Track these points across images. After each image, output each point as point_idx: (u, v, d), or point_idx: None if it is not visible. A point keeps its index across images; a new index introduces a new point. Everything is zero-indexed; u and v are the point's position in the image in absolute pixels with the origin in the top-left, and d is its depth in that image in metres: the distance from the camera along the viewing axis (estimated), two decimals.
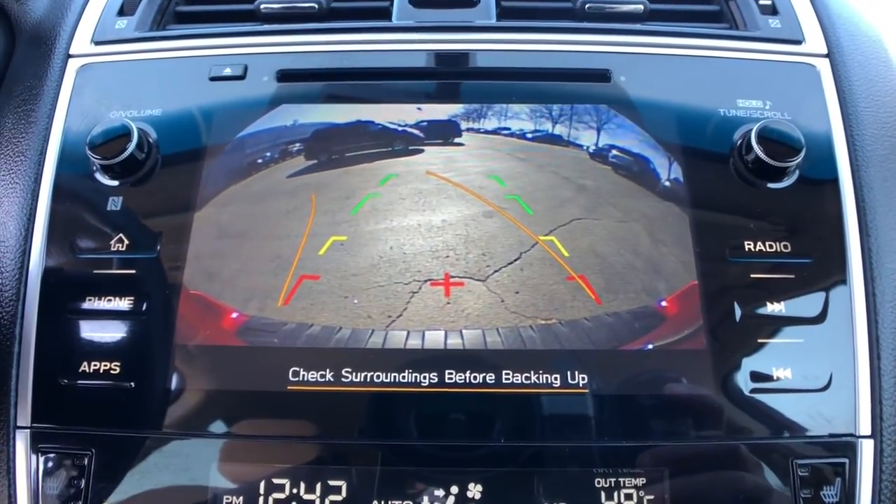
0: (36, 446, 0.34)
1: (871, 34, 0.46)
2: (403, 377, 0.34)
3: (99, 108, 0.41)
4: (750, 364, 0.34)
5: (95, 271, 0.37)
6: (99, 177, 0.39)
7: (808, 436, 0.33)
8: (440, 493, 0.33)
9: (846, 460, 0.33)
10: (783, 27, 0.44)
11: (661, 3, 0.47)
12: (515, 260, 0.37)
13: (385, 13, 0.46)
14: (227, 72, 0.42)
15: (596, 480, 0.33)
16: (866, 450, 0.33)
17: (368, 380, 0.34)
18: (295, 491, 0.33)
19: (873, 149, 0.39)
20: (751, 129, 0.38)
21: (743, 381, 0.34)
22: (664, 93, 0.41)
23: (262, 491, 0.33)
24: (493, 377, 0.34)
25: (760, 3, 0.45)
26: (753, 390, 0.34)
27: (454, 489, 0.33)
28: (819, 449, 0.33)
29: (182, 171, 0.39)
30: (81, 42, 0.45)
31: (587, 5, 0.45)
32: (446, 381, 0.34)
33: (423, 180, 0.39)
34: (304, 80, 0.42)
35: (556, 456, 0.34)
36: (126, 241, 0.37)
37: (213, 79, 0.42)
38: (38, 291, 0.37)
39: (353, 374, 0.34)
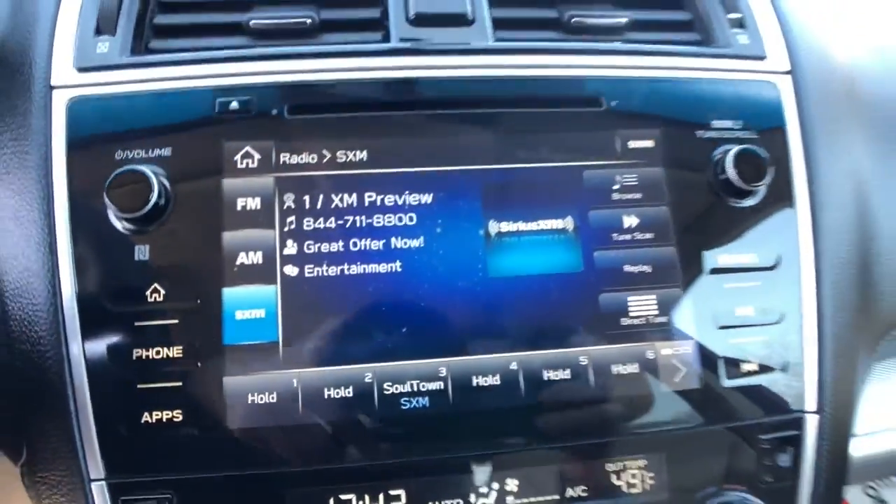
0: (116, 498, 0.39)
1: (830, 50, 0.54)
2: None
3: (104, 151, 0.42)
4: (724, 363, 0.44)
5: (136, 324, 0.40)
6: (119, 226, 0.41)
7: (770, 415, 0.45)
8: (484, 490, 0.42)
9: (797, 432, 0.45)
10: (750, 42, 0.51)
11: (635, 8, 0.53)
12: None
13: (378, 25, 0.49)
14: (234, 106, 0.44)
15: (606, 466, 0.44)
16: (811, 423, 0.45)
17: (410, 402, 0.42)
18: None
19: (828, 163, 0.49)
20: (727, 152, 0.46)
21: (721, 376, 0.44)
22: (648, 115, 0.48)
23: None
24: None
25: (730, 16, 0.52)
26: (728, 384, 0.44)
27: (495, 485, 0.42)
28: (777, 424, 0.45)
29: (203, 210, 0.42)
30: (62, 69, 0.44)
31: (573, 19, 0.50)
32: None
33: None
34: (314, 113, 0.45)
35: (573, 451, 0.43)
36: (162, 291, 0.41)
37: (219, 113, 0.44)
38: (81, 351, 0.39)
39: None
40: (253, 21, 0.47)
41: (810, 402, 0.45)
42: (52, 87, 0.44)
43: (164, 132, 0.43)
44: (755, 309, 0.45)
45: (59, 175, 0.42)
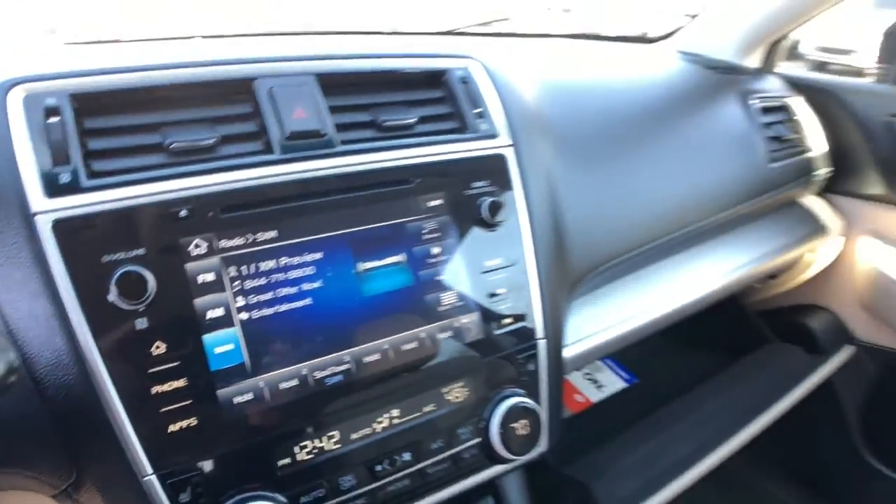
0: (164, 482, 0.63)
1: (534, 118, 0.95)
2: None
3: (93, 257, 0.62)
4: (494, 321, 0.83)
5: (150, 371, 0.63)
6: (120, 308, 0.64)
7: (522, 344, 0.85)
8: (380, 419, 0.76)
9: (535, 351, 0.86)
10: (488, 128, 0.89)
11: (420, 107, 0.87)
12: None
13: (259, 136, 0.75)
14: (183, 213, 0.68)
15: (441, 390, 0.80)
16: (542, 345, 0.87)
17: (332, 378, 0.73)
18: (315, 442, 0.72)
19: (538, 198, 0.89)
20: (483, 202, 0.83)
21: (494, 328, 0.83)
22: (437, 184, 0.83)
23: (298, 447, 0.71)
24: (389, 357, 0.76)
25: (474, 111, 0.89)
26: (498, 332, 0.83)
27: (386, 415, 0.76)
28: (525, 348, 0.85)
29: (177, 287, 0.66)
30: (37, 198, 0.61)
31: (385, 122, 0.83)
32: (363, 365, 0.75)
33: None
34: (238, 211, 0.71)
35: (423, 386, 0.79)
36: (163, 346, 0.65)
37: (172, 220, 0.67)
38: (116, 397, 0.61)
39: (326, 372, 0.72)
40: (174, 144, 0.70)
41: (540, 333, 0.87)
42: (33, 214, 0.63)
43: (136, 237, 0.64)
44: (506, 288, 0.85)
45: (62, 278, 0.61)
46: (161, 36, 1.18)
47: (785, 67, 1.73)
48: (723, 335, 1.80)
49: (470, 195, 0.85)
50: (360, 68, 0.85)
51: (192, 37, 1.17)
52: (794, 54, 1.71)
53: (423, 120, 0.86)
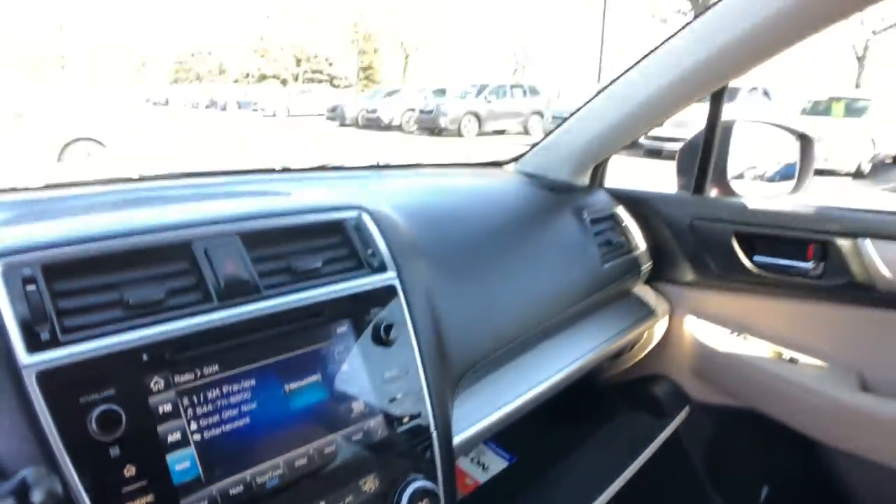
0: None
1: (414, 250, 1.22)
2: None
3: (71, 400, 0.78)
4: (396, 421, 1.06)
5: (124, 490, 0.80)
6: (99, 440, 0.80)
7: (418, 438, 1.08)
8: None
9: (430, 441, 1.10)
10: (379, 264, 1.15)
11: (323, 251, 1.12)
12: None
13: (198, 287, 0.96)
14: (145, 358, 0.86)
15: (360, 482, 1.01)
16: (435, 435, 1.11)
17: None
18: None
19: (422, 316, 1.15)
20: (381, 325, 1.08)
21: (396, 428, 1.06)
22: (342, 313, 1.07)
23: None
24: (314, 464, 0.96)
25: (367, 252, 1.15)
26: (400, 430, 1.06)
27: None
28: (421, 440, 1.09)
29: (142, 418, 0.84)
30: (21, 355, 0.75)
31: (297, 268, 1.06)
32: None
33: None
34: (188, 352, 0.90)
35: (345, 480, 0.99)
36: (133, 468, 0.81)
37: (136, 364, 0.86)
38: None
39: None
40: (131, 301, 0.89)
41: (432, 427, 1.11)
42: (20, 368, 0.79)
43: (108, 380, 0.82)
44: (402, 393, 1.08)
45: (46, 420, 0.78)
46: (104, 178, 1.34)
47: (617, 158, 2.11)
48: (584, 409, 2.12)
49: (368, 319, 1.09)
50: (273, 226, 1.09)
51: (135, 178, 1.35)
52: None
53: (327, 262, 1.10)
